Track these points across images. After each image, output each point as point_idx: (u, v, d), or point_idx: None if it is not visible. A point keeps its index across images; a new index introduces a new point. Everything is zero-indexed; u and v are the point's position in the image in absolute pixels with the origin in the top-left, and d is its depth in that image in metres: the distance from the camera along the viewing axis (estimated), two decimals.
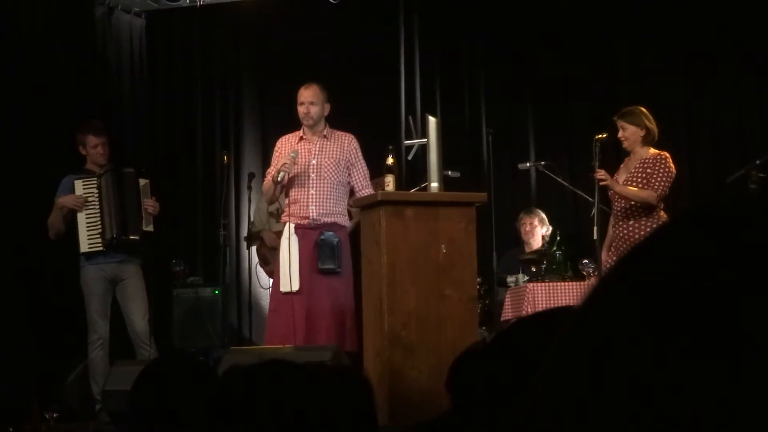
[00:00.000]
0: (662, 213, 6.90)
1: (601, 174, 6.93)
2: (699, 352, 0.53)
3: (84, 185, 7.47)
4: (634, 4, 9.45)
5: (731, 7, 9.12)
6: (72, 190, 7.45)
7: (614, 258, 6.94)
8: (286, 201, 7.02)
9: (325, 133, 6.97)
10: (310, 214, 6.83)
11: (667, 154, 6.95)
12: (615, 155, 7.58)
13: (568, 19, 9.63)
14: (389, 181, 6.30)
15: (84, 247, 7.42)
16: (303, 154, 6.90)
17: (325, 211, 6.84)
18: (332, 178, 6.88)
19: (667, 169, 6.87)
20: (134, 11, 10.03)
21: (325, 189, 6.86)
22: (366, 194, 6.75)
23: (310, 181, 6.87)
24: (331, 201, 6.87)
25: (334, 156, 6.92)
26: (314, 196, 6.85)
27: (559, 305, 6.22)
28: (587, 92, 9.66)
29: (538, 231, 8.74)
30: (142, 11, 10.09)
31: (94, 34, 9.64)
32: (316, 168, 6.88)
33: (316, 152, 6.92)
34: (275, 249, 7.52)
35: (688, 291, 0.55)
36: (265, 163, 9.47)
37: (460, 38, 10.00)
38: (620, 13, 9.52)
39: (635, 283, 0.58)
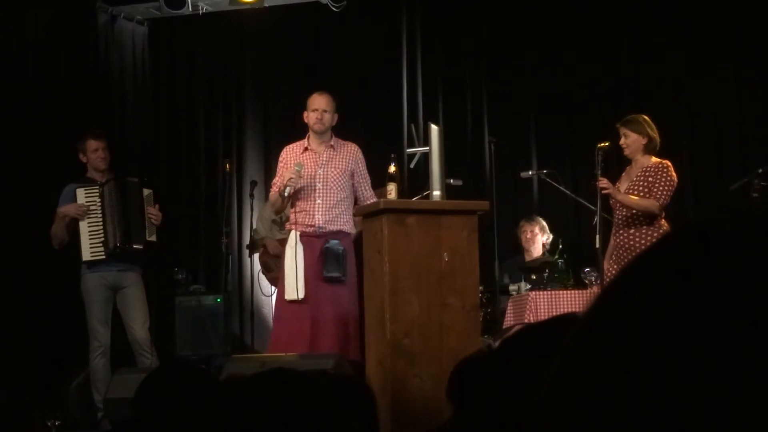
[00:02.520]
0: (664, 222, 6.89)
1: (603, 182, 6.93)
2: (701, 361, 0.54)
3: (86, 193, 7.47)
4: (637, 13, 9.46)
5: (733, 15, 9.12)
6: (74, 199, 7.46)
7: (615, 267, 6.93)
8: (292, 210, 7.03)
9: (331, 143, 7.01)
10: (316, 223, 6.85)
11: (669, 163, 6.95)
12: (617, 164, 7.58)
13: (570, 28, 9.64)
14: (391, 189, 6.30)
15: (86, 255, 7.42)
16: (309, 164, 6.92)
17: (330, 219, 6.86)
18: (338, 188, 6.91)
19: (668, 178, 6.87)
20: (137, 19, 10.05)
21: (331, 198, 6.89)
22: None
23: (317, 191, 6.89)
24: (337, 210, 6.89)
25: (340, 166, 6.95)
26: (320, 206, 6.87)
27: (561, 314, 6.21)
28: (589, 101, 9.66)
29: (539, 239, 8.75)
30: (145, 19, 10.10)
31: (96, 42, 9.65)
32: (322, 178, 6.90)
33: (323, 162, 6.94)
34: (277, 257, 7.52)
35: (691, 301, 0.56)
36: (267, 171, 9.49)
37: (463, 46, 10.01)
38: (622, 21, 9.53)
39: (638, 293, 0.58)
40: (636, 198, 6.86)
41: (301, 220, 6.88)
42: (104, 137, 7.66)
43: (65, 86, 8.99)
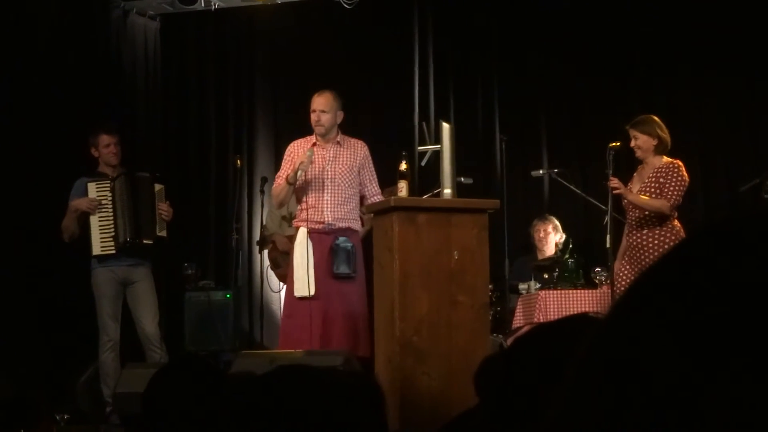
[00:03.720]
0: (676, 222, 6.88)
1: (614, 182, 6.91)
2: (725, 365, 0.53)
3: (97, 188, 7.49)
4: (648, 13, 9.43)
5: (743, 15, 9.09)
6: (85, 193, 7.47)
7: (628, 267, 6.91)
8: (298, 207, 7.02)
9: (338, 140, 6.97)
10: (326, 219, 6.83)
11: (680, 163, 6.92)
12: (628, 163, 7.55)
13: (581, 27, 9.62)
14: (402, 187, 6.29)
15: (96, 249, 7.43)
16: (317, 160, 6.90)
17: (339, 216, 6.84)
18: (346, 184, 6.88)
19: (680, 178, 6.85)
20: (149, 14, 10.06)
21: (340, 195, 6.87)
22: (377, 201, 6.76)
23: (325, 188, 6.87)
24: (346, 207, 6.87)
25: (348, 162, 6.92)
26: (329, 202, 6.85)
27: (570, 313, 6.22)
28: (600, 100, 9.64)
29: (552, 238, 8.74)
30: (157, 14, 10.11)
31: (108, 38, 9.66)
32: (330, 174, 6.88)
33: (330, 159, 6.91)
34: (286, 253, 7.52)
35: (713, 305, 0.55)
36: (278, 167, 9.45)
37: (474, 45, 9.99)
38: (633, 21, 9.51)
39: (658, 294, 0.58)
40: (646, 198, 6.84)
41: (310, 216, 6.86)
42: (117, 132, 7.67)
43: (77, 81, 9.00)
